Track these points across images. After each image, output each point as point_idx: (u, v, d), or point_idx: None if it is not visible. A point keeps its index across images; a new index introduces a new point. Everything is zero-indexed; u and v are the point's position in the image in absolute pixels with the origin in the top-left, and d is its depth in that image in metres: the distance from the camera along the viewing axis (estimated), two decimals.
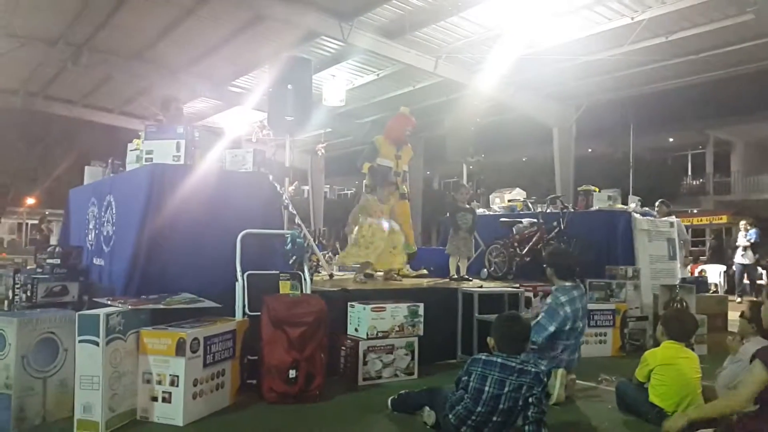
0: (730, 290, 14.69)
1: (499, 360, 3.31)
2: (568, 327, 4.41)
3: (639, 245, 7.41)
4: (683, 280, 7.67)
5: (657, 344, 4.20)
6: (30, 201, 32.13)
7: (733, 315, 5.67)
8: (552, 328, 4.36)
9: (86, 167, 6.36)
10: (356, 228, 6.31)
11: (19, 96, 16.99)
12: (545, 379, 3.31)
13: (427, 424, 3.65)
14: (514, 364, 3.27)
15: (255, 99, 13.84)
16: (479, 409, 3.24)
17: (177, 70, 14.20)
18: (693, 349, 4.28)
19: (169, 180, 4.63)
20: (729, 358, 4.27)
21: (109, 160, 5.95)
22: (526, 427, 3.14)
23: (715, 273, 15.70)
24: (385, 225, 6.28)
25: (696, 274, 13.21)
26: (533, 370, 3.27)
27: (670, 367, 3.87)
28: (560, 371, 4.30)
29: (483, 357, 3.40)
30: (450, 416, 3.37)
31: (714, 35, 10.54)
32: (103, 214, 5.37)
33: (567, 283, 4.60)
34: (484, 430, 3.27)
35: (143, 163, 4.87)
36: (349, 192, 39.61)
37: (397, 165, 7.36)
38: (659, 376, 3.89)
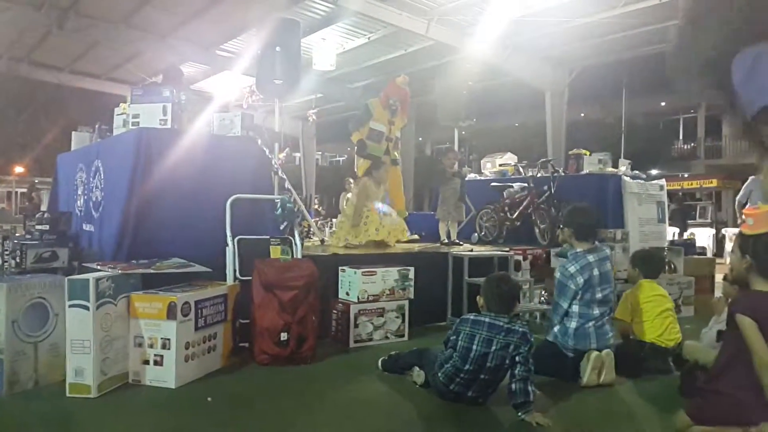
0: (719, 253, 14.86)
1: (487, 319, 3.35)
2: (587, 296, 3.99)
3: (628, 208, 7.44)
4: (672, 242, 7.73)
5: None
6: (19, 170, 31.77)
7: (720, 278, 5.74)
8: (566, 305, 4.00)
9: (73, 133, 6.28)
10: (354, 209, 6.58)
11: (4, 61, 16.68)
12: (532, 339, 3.35)
13: (416, 383, 3.71)
14: (501, 324, 3.31)
15: (244, 63, 13.65)
16: (467, 367, 3.28)
17: (164, 34, 13.94)
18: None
19: (156, 144, 4.59)
20: (714, 319, 4.34)
21: (96, 125, 5.89)
22: (513, 385, 3.19)
23: (703, 236, 15.86)
24: (381, 210, 6.58)
25: (684, 238, 13.33)
26: (520, 329, 3.31)
27: (650, 304, 4.31)
28: (594, 354, 3.83)
29: (471, 317, 3.43)
30: (439, 375, 3.42)
31: None
32: (91, 179, 5.33)
33: (584, 247, 4.11)
34: (472, 387, 3.33)
35: (130, 128, 4.83)
36: (341, 159, 39.45)
37: (389, 131, 7.34)
38: (641, 313, 4.29)
